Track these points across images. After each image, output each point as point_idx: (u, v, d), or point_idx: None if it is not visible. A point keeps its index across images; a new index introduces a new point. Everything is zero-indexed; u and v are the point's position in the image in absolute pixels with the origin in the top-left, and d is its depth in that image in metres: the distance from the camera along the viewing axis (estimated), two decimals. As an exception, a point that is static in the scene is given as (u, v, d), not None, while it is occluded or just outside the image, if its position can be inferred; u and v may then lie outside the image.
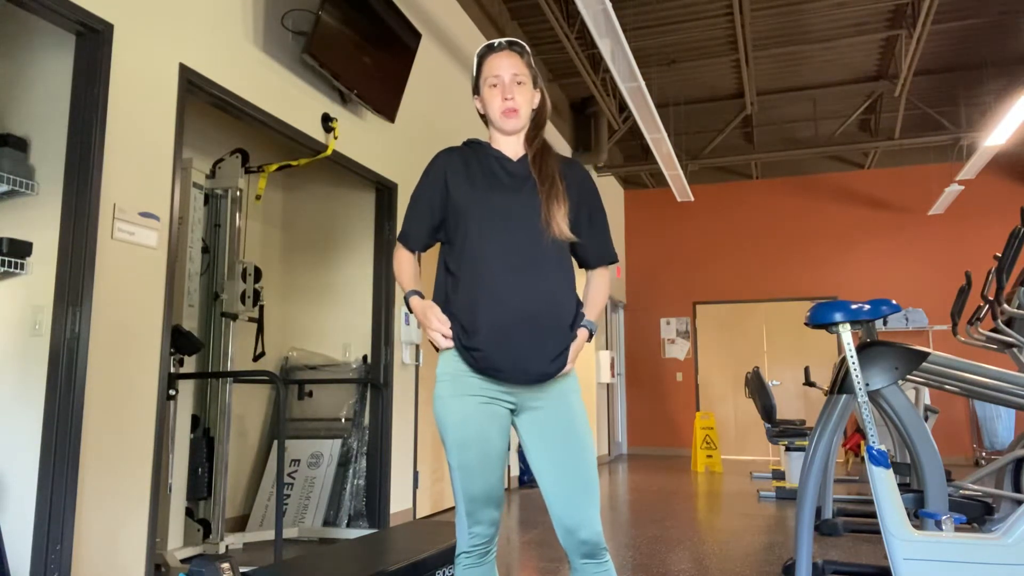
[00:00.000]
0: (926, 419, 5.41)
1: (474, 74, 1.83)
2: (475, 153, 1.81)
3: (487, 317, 1.63)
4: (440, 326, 1.66)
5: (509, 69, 1.75)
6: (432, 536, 2.74)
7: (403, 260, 1.79)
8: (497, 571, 1.81)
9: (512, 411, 1.71)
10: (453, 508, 5.24)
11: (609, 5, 4.15)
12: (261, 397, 4.76)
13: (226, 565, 1.98)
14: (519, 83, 1.75)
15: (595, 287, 1.80)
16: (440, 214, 1.78)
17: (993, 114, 8.05)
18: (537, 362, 1.63)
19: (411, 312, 1.74)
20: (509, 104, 1.74)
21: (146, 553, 2.74)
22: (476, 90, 1.82)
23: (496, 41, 1.80)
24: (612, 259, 1.82)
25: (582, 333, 1.70)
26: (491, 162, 1.78)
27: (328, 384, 4.61)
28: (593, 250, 1.80)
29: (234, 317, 4.03)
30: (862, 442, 7.95)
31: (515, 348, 1.62)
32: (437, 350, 1.72)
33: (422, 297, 1.74)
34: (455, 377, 1.67)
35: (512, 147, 1.80)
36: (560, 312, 1.67)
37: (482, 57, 1.80)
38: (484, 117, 1.84)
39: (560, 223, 1.69)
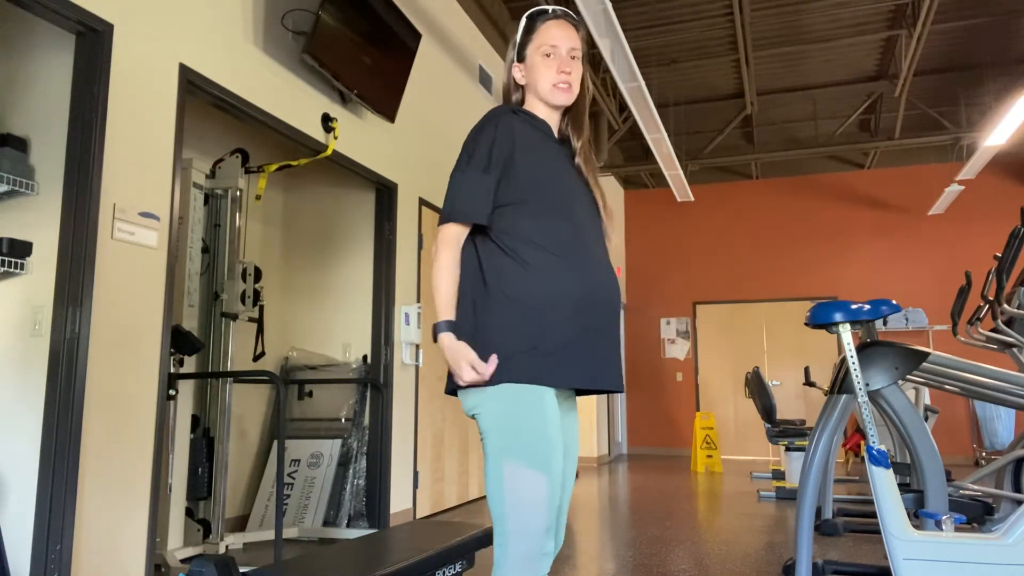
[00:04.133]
0: (926, 419, 5.41)
1: (518, 38, 1.63)
2: (530, 121, 1.59)
3: (583, 314, 1.47)
4: (479, 368, 1.39)
5: (567, 41, 1.59)
6: (432, 536, 2.73)
7: (450, 265, 1.47)
8: None
9: None
10: (453, 508, 5.24)
11: (609, 5, 4.15)
12: (261, 397, 4.76)
13: (226, 565, 1.97)
14: (573, 58, 1.60)
15: None
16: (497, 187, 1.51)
17: (993, 114, 8.04)
18: (614, 370, 1.51)
19: (437, 343, 1.46)
20: (564, 77, 1.58)
21: (146, 553, 2.74)
22: (520, 57, 1.62)
23: (550, 8, 1.63)
24: None
25: None
26: (545, 137, 1.59)
27: (328, 384, 4.61)
28: None
29: (234, 317, 4.03)
30: (862, 442, 7.95)
31: (600, 351, 1.49)
32: (454, 391, 1.49)
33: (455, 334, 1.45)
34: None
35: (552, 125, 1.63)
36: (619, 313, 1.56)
37: (533, 21, 1.61)
38: (514, 87, 1.64)
39: (611, 222, 1.62)
